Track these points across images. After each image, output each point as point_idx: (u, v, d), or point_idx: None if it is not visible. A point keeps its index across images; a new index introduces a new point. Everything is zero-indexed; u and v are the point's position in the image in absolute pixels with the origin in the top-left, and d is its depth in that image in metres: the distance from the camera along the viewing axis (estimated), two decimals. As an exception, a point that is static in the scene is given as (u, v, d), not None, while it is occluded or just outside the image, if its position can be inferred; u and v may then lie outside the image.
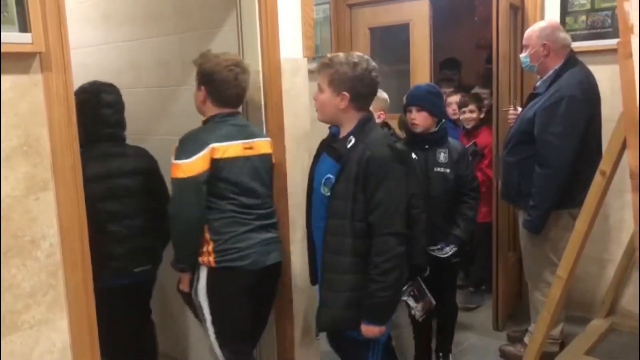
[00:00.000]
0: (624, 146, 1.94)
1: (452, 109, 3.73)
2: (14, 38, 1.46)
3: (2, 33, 1.43)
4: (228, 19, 2.45)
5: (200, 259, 2.09)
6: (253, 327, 2.28)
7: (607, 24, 3.07)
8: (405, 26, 4.26)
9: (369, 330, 1.91)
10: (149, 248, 2.39)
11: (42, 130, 1.56)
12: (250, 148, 2.16)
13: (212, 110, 2.18)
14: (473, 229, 2.76)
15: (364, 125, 1.96)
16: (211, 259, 2.07)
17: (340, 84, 1.92)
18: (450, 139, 2.66)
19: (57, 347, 1.63)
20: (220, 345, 2.16)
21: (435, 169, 2.57)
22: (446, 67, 4.51)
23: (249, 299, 2.17)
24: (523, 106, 2.85)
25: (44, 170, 1.57)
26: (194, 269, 2.13)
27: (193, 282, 2.14)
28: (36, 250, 1.57)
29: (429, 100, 2.55)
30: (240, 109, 2.27)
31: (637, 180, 1.85)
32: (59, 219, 1.60)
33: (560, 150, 2.52)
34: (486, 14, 4.03)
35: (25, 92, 1.52)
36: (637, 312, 2.78)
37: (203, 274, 2.11)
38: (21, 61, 1.51)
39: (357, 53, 2.00)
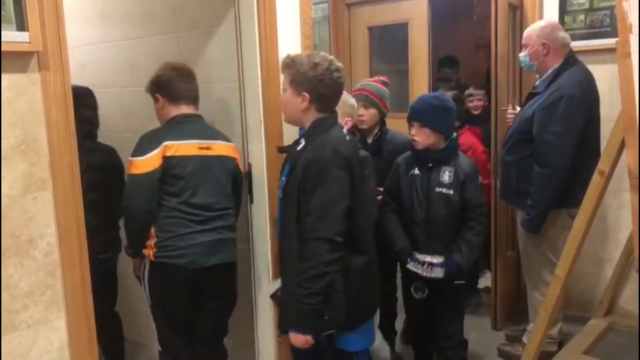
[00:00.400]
0: (622, 146, 1.94)
1: None
2: (11, 37, 1.45)
3: (0, 32, 1.42)
4: (226, 17, 2.44)
5: (144, 251, 2.19)
6: (197, 325, 2.32)
7: (605, 23, 3.07)
8: (403, 25, 4.25)
9: (294, 337, 1.85)
10: (112, 237, 2.62)
11: (40, 130, 1.56)
12: (208, 148, 2.22)
13: (171, 112, 2.26)
14: (476, 258, 2.48)
15: (317, 126, 1.92)
16: (151, 253, 2.16)
17: (301, 85, 1.90)
18: (461, 156, 2.42)
19: (55, 347, 1.62)
20: (157, 333, 2.28)
21: (436, 189, 2.34)
22: (445, 65, 4.46)
23: (187, 297, 2.22)
24: (522, 105, 2.85)
25: (41, 170, 1.57)
26: (142, 255, 2.24)
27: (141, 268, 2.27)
28: (34, 249, 1.57)
29: (432, 116, 2.32)
30: (197, 109, 2.32)
31: (636, 180, 1.84)
32: (57, 218, 1.60)
33: (559, 149, 2.51)
34: (485, 13, 4.03)
35: (22, 91, 1.52)
36: (635, 311, 2.78)
37: (146, 265, 2.20)
38: (19, 60, 1.50)
39: (322, 53, 1.97)
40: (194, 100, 2.30)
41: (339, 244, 1.80)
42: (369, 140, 2.69)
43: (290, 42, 2.44)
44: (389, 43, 4.62)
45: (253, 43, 2.34)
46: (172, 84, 2.24)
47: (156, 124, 2.88)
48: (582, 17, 3.14)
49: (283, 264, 2.00)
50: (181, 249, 2.13)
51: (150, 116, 2.84)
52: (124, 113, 2.55)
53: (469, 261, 2.35)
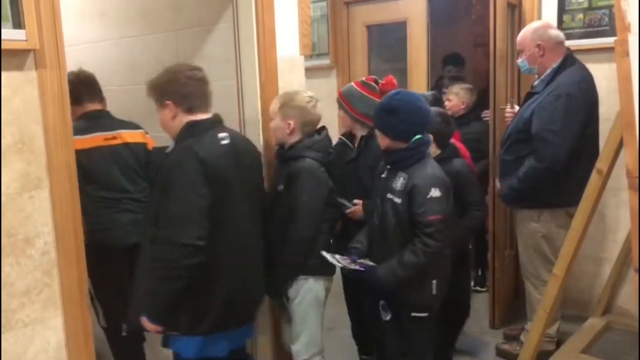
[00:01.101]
0: (620, 145, 1.94)
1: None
2: (8, 35, 1.45)
3: (-4, 30, 1.42)
4: (224, 16, 2.44)
5: None
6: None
7: (604, 22, 3.07)
8: (402, 24, 4.25)
9: (147, 324, 1.91)
10: None
11: (37, 128, 1.56)
12: (113, 138, 2.44)
13: (77, 113, 2.38)
14: (403, 282, 2.07)
15: (188, 129, 1.91)
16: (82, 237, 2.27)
17: (161, 96, 1.94)
18: (430, 163, 2.13)
19: (51, 346, 1.62)
20: (101, 312, 2.47)
21: (387, 195, 2.12)
22: (450, 63, 4.36)
23: (123, 274, 2.37)
24: (520, 105, 2.85)
25: (38, 168, 1.56)
26: None
27: None
28: (30, 248, 1.56)
29: (380, 120, 2.15)
30: (105, 106, 2.50)
31: (634, 179, 1.84)
32: (54, 217, 1.60)
33: (557, 147, 2.50)
34: (483, 12, 4.03)
35: (19, 89, 1.51)
36: (633, 310, 2.78)
37: None
38: (15, 58, 1.50)
39: (179, 64, 2.03)
40: (99, 99, 2.51)
41: (199, 247, 1.78)
42: (356, 145, 2.53)
43: (288, 40, 2.44)
44: (388, 42, 4.62)
45: (251, 41, 2.34)
46: (73, 89, 2.36)
47: (154, 123, 2.89)
48: (580, 16, 3.13)
49: (139, 263, 1.97)
50: (107, 229, 2.37)
51: (149, 114, 2.84)
52: (123, 111, 2.55)
53: (393, 279, 2.06)
